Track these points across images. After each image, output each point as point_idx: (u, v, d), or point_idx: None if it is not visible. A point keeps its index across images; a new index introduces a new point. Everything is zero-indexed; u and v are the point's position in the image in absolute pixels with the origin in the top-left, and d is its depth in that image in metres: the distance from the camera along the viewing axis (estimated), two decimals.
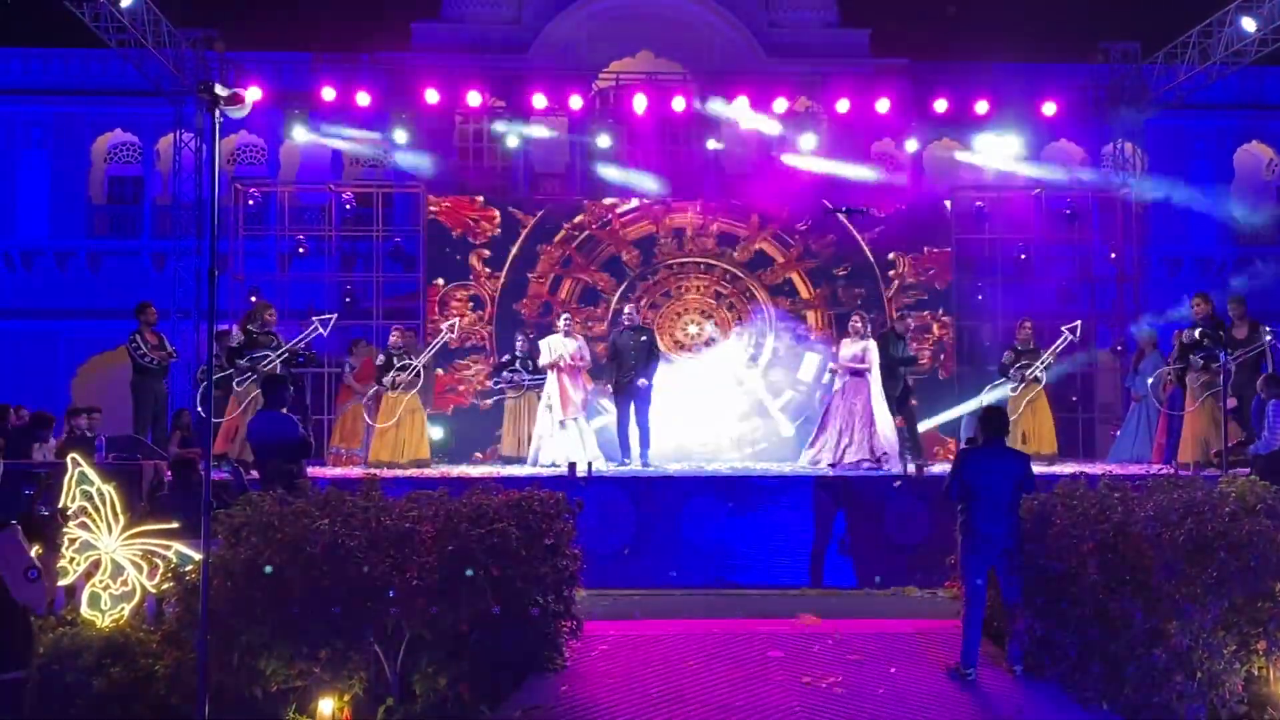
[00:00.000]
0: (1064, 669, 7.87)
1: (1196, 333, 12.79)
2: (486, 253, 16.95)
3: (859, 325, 13.32)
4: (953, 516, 8.37)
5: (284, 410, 9.37)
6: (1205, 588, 7.31)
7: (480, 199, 17.22)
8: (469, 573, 7.37)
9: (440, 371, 16.26)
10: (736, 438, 14.95)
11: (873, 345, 13.13)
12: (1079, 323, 14.37)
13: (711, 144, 18.00)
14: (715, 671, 8.09)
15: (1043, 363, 13.98)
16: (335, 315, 13.78)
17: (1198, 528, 7.48)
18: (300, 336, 13.24)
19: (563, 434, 13.38)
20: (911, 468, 12.13)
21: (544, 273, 16.99)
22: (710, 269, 17.01)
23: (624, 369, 13.34)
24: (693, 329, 16.42)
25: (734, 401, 15.47)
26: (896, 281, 17.09)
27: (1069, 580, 7.90)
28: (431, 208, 17.10)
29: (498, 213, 17.08)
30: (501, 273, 16.92)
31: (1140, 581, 7.57)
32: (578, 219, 17.16)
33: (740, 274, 16.99)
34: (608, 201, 17.44)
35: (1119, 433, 15.52)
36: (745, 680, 7.92)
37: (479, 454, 15.68)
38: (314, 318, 13.36)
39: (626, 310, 14.22)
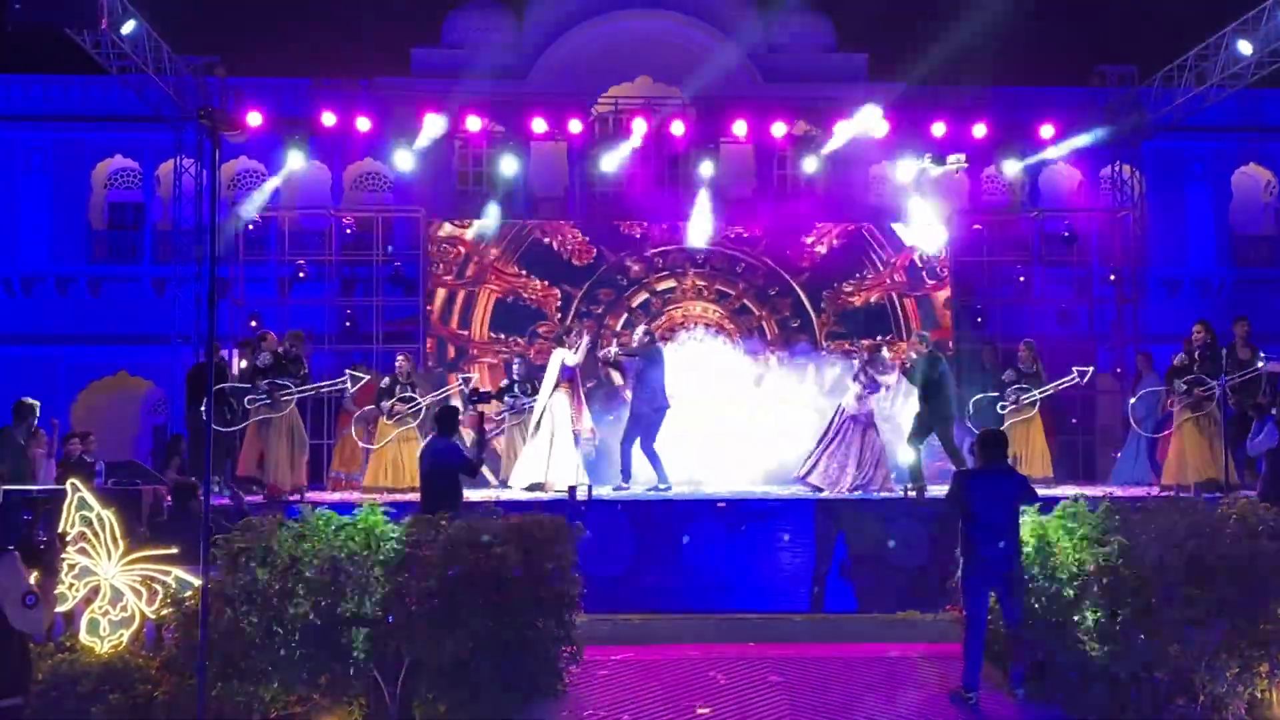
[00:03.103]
0: (1066, 692, 7.85)
1: (1177, 359, 13.05)
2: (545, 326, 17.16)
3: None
4: (953, 539, 8.36)
5: (452, 439, 10.17)
6: (1207, 610, 7.29)
7: (544, 283, 17.38)
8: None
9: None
10: (742, 460, 14.87)
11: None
12: (1091, 369, 14.39)
13: (707, 169, 17.98)
14: (717, 696, 8.06)
15: (1043, 392, 13.99)
16: (368, 378, 14.06)
17: (1199, 550, 7.47)
18: (329, 383, 13.35)
19: (563, 454, 13.33)
20: (911, 491, 12.13)
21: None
22: (721, 296, 17.12)
23: (657, 389, 13.29)
24: (698, 343, 16.38)
25: (741, 424, 15.34)
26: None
27: (1071, 603, 7.88)
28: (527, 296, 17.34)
29: (558, 292, 17.33)
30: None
31: (1142, 604, 7.56)
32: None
33: (748, 302, 17.09)
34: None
35: (1119, 455, 15.51)
36: (747, 705, 7.89)
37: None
38: (348, 370, 13.68)
39: (640, 330, 14.15)
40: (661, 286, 17.14)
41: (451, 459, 9.96)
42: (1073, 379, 14.07)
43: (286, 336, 13.56)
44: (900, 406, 14.55)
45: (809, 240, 17.42)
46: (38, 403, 12.74)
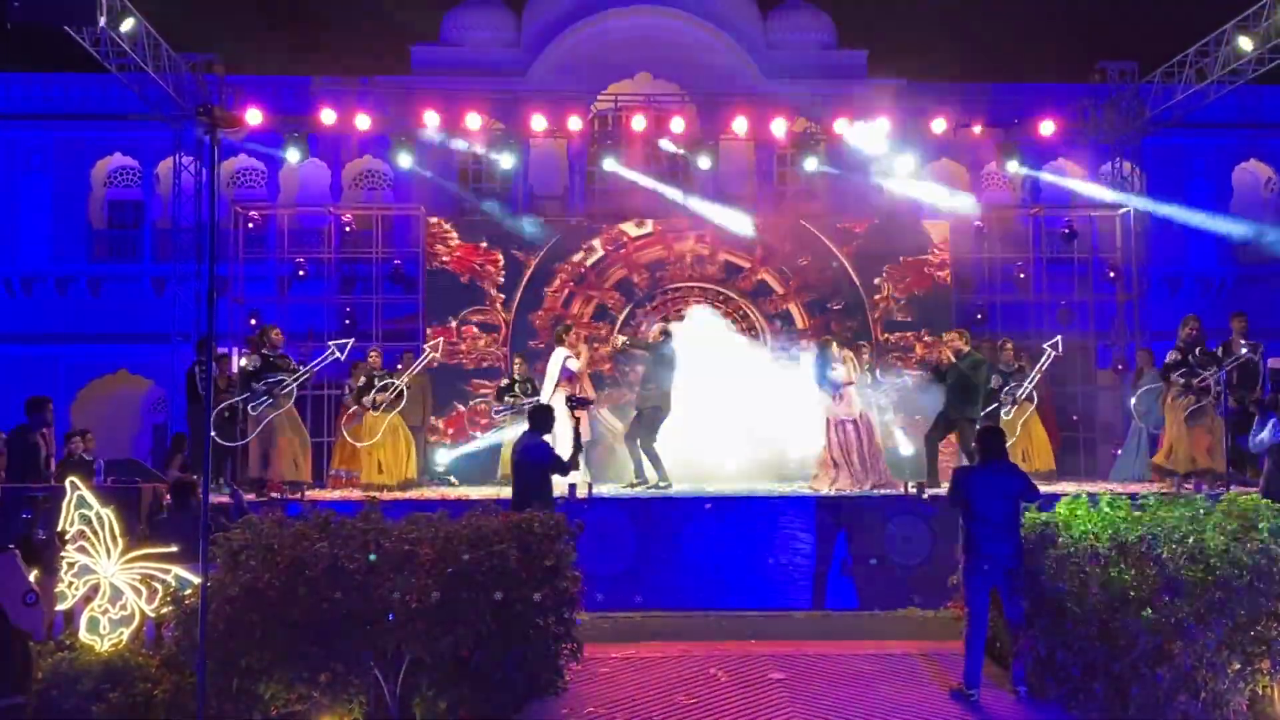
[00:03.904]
0: (1067, 689, 7.83)
1: (1170, 356, 12.95)
2: (501, 296, 16.95)
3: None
4: (954, 537, 8.36)
5: (544, 437, 10.13)
6: (1208, 607, 7.27)
7: (484, 244, 17.13)
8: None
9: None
10: (746, 459, 14.84)
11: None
12: (1059, 338, 14.38)
13: (706, 164, 17.94)
14: (717, 694, 8.05)
15: (1030, 381, 13.97)
16: (352, 340, 13.78)
17: (1201, 546, 7.46)
18: (317, 360, 13.24)
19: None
20: (913, 488, 12.11)
21: (550, 306, 17.01)
22: (715, 294, 17.00)
23: (664, 389, 13.27)
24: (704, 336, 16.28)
25: (744, 422, 15.27)
26: (882, 305, 17.08)
27: (1072, 600, 7.87)
28: (442, 257, 17.08)
29: (500, 255, 17.07)
30: (511, 312, 16.92)
31: (1143, 601, 7.54)
32: (576, 257, 17.14)
33: (741, 301, 17.01)
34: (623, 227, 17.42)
35: (1120, 452, 15.51)
36: (747, 703, 7.88)
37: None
38: (330, 342, 13.41)
39: (658, 327, 14.08)
40: (661, 289, 17.07)
41: (540, 457, 9.93)
42: (1049, 356, 14.07)
43: (264, 330, 13.50)
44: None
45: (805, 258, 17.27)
46: (51, 400, 12.71)
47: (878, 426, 13.62)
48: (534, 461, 9.87)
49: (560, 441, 13.37)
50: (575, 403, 11.60)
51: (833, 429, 13.07)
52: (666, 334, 13.72)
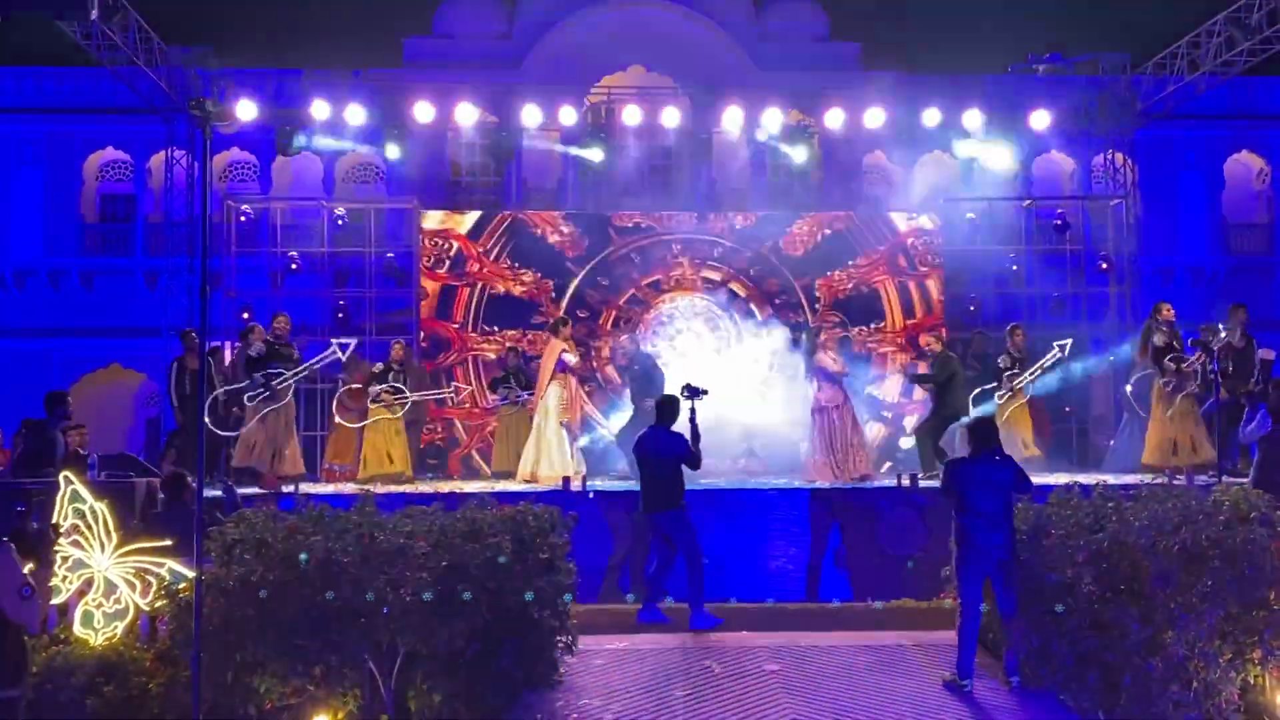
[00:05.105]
0: (1060, 679, 7.86)
1: (1158, 339, 12.83)
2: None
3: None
4: (948, 528, 8.37)
5: (672, 428, 9.97)
6: (1200, 597, 7.32)
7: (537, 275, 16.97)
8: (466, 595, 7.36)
9: None
10: (742, 453, 14.86)
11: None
12: (1070, 340, 14.31)
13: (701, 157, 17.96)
14: (712, 686, 8.06)
15: (1031, 374, 13.97)
16: (355, 340, 13.66)
17: (1192, 537, 7.50)
18: (319, 357, 13.17)
19: (561, 444, 13.29)
20: (906, 480, 12.13)
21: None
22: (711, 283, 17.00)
23: (649, 390, 13.17)
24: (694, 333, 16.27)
25: (739, 415, 15.27)
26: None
27: (1065, 590, 7.89)
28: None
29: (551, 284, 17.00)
30: None
31: (1136, 591, 7.58)
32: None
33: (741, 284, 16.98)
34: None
35: (1113, 442, 15.52)
36: (742, 694, 7.90)
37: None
38: (333, 340, 13.27)
39: (625, 339, 14.15)
40: (654, 280, 17.02)
41: (675, 450, 9.80)
42: (1056, 355, 14.04)
43: (274, 319, 13.44)
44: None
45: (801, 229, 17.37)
46: (68, 394, 12.62)
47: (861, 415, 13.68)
48: (672, 455, 9.76)
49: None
50: (692, 392, 11.42)
51: (816, 417, 13.10)
52: (634, 341, 14.35)
